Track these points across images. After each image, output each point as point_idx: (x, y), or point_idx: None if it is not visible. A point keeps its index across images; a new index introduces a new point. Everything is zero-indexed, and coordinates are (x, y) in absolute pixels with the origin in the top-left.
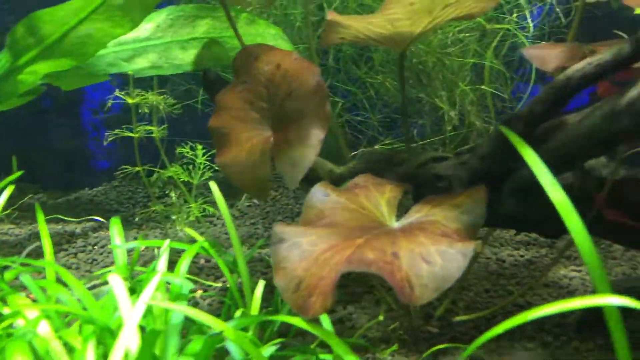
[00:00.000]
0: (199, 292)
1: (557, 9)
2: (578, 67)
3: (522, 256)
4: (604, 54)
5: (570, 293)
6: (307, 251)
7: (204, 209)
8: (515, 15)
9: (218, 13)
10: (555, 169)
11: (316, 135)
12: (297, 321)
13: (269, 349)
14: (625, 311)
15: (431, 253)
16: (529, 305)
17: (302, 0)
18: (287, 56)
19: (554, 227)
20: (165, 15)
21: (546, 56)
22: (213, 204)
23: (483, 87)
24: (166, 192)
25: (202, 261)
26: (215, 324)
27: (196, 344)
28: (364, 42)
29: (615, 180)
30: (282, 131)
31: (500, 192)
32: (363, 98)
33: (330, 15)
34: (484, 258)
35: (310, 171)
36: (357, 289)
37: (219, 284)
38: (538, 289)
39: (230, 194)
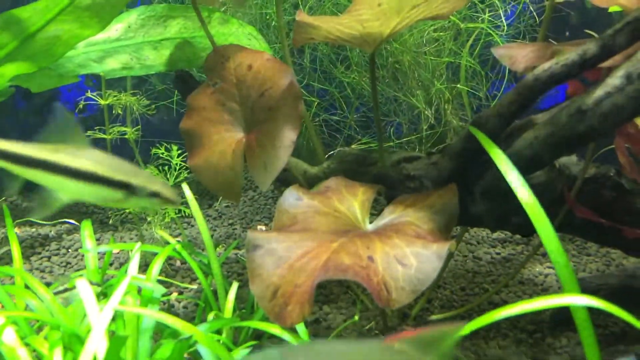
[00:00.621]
0: (174, 295)
1: (531, 8)
2: (545, 67)
3: (498, 254)
4: (570, 54)
5: (545, 290)
6: (282, 258)
7: (180, 210)
8: (489, 14)
9: (190, 13)
10: (525, 168)
11: (289, 137)
12: (269, 326)
13: (241, 352)
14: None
15: (406, 255)
16: (504, 303)
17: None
18: (259, 56)
19: (526, 225)
20: (136, 15)
21: (516, 56)
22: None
23: (459, 85)
24: None
25: (178, 263)
26: (185, 327)
27: (166, 349)
28: (334, 42)
29: (586, 178)
30: (255, 132)
31: (472, 192)
32: (340, 97)
33: (299, 16)
34: (460, 256)
35: (284, 172)
36: (333, 290)
37: (195, 286)
38: (513, 287)
39: (209, 194)
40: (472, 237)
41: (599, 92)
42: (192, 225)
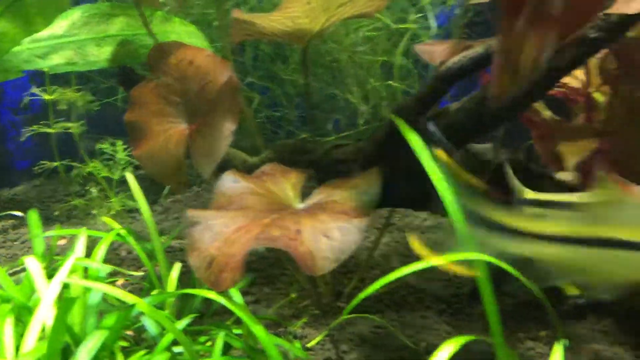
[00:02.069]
0: (121, 281)
1: (457, 11)
2: (455, 60)
3: (429, 239)
4: (477, 48)
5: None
6: (219, 232)
7: (125, 203)
8: (419, 15)
9: (133, 11)
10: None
11: (228, 127)
12: (209, 293)
13: (183, 322)
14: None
15: (331, 229)
16: (429, 279)
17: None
18: (199, 52)
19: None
20: (81, 13)
21: (434, 52)
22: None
23: (392, 83)
24: (86, 188)
25: (123, 253)
26: (129, 299)
27: (110, 319)
28: (269, 38)
29: (498, 162)
30: (196, 124)
31: (395, 174)
32: (281, 94)
33: (235, 14)
34: (394, 242)
35: (225, 162)
36: (273, 272)
37: (141, 273)
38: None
39: (155, 190)
40: (406, 225)
41: None
42: (137, 220)
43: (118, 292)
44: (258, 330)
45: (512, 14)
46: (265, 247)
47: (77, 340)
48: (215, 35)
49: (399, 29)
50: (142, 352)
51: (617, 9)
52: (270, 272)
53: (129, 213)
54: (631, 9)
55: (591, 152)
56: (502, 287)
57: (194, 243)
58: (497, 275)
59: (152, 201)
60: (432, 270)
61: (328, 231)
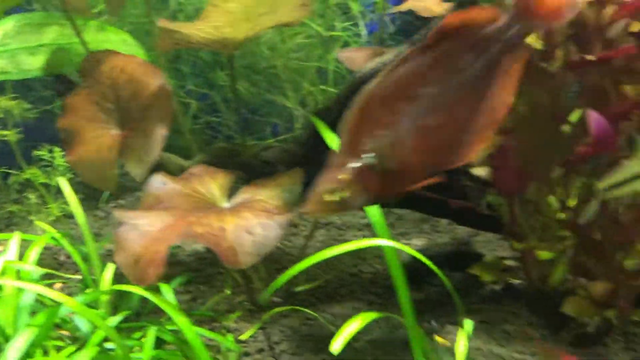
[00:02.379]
0: (59, 284)
1: (385, 19)
2: (371, 65)
3: (364, 236)
4: (389, 54)
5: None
6: (145, 231)
7: (64, 209)
8: (349, 23)
9: (66, 21)
10: None
11: (160, 132)
12: (136, 289)
13: (116, 319)
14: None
15: (253, 225)
16: (360, 273)
17: (146, 9)
18: (131, 60)
19: None
20: (13, 23)
21: (354, 58)
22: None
23: (327, 87)
24: (24, 195)
25: (62, 257)
26: (60, 298)
27: (40, 317)
28: (197, 46)
29: None
30: (129, 129)
31: (318, 175)
32: (220, 100)
33: (161, 23)
34: (331, 240)
35: (160, 166)
36: (210, 271)
37: (79, 277)
38: (370, 260)
39: (96, 195)
40: (343, 223)
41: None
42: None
43: (49, 292)
44: (182, 322)
45: None
46: (205, 247)
47: (9, 340)
48: (153, 44)
49: (332, 36)
50: (73, 348)
51: None
52: (208, 272)
53: (70, 219)
54: None
55: (497, 148)
56: (428, 278)
57: (121, 242)
58: (423, 267)
59: (94, 207)
60: (363, 264)
61: (251, 228)
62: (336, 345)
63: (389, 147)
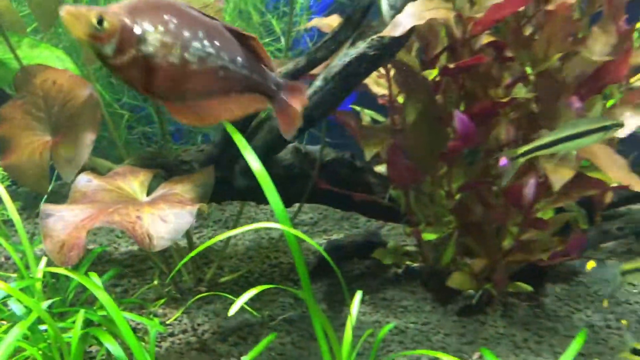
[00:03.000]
0: None
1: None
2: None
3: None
4: (288, 65)
5: (314, 253)
6: (70, 222)
7: (4, 214)
8: (273, 39)
9: (1, 38)
10: (267, 149)
11: (89, 137)
12: (64, 271)
13: (47, 303)
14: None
15: (167, 214)
16: (280, 264)
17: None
18: (62, 73)
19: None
20: None
21: None
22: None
23: None
24: None
25: (2, 258)
26: None
27: None
28: None
29: (327, 160)
30: (60, 136)
31: (233, 171)
32: (154, 112)
33: None
34: (258, 237)
35: (91, 169)
36: (141, 267)
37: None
38: (289, 253)
39: (32, 204)
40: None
41: (310, 91)
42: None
43: None
44: (104, 299)
45: None
46: (139, 247)
47: None
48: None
49: None
50: (6, 327)
51: (388, 32)
52: (139, 267)
53: (11, 226)
54: (397, 32)
55: (391, 147)
56: (341, 265)
57: (48, 231)
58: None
59: (34, 215)
60: (283, 256)
61: (165, 216)
62: (232, 310)
63: None
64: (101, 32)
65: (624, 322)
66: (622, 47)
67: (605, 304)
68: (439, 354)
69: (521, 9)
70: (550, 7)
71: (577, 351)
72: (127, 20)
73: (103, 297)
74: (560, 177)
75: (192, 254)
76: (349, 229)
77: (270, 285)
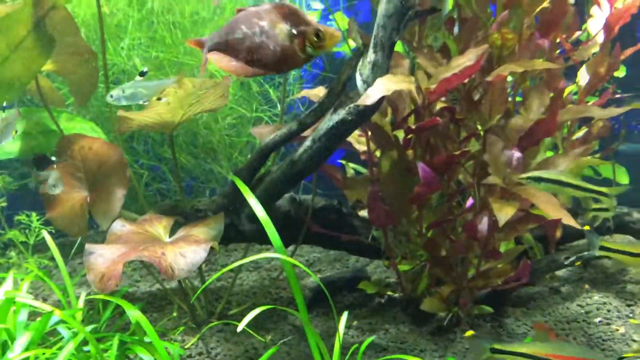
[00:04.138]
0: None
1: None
2: (271, 137)
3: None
4: (283, 130)
5: (309, 289)
6: (108, 257)
7: (40, 262)
8: (268, 105)
9: (44, 113)
10: (269, 198)
11: (120, 192)
12: (103, 296)
13: (89, 327)
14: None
15: (186, 251)
16: (280, 298)
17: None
18: (96, 141)
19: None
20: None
21: (262, 132)
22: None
23: None
24: (7, 252)
25: (40, 300)
26: (46, 307)
27: (35, 324)
28: (146, 129)
29: (318, 207)
30: (96, 192)
31: (240, 217)
32: (167, 171)
33: (120, 112)
34: (261, 277)
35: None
36: (161, 303)
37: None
38: (288, 289)
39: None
40: (272, 265)
41: (301, 150)
42: (54, 275)
43: (39, 305)
44: (139, 317)
45: None
46: (157, 287)
47: (13, 338)
48: (111, 127)
49: (258, 116)
50: (59, 344)
51: (362, 101)
52: (159, 304)
53: (52, 272)
54: (369, 102)
55: (370, 194)
56: (333, 297)
57: (90, 265)
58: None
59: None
60: (283, 292)
61: (184, 252)
62: (240, 327)
63: None
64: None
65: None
66: (552, 108)
67: None
68: (412, 358)
69: (467, 80)
70: (489, 78)
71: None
72: None
73: (138, 315)
74: (504, 214)
75: (205, 284)
76: (340, 269)
77: (271, 306)
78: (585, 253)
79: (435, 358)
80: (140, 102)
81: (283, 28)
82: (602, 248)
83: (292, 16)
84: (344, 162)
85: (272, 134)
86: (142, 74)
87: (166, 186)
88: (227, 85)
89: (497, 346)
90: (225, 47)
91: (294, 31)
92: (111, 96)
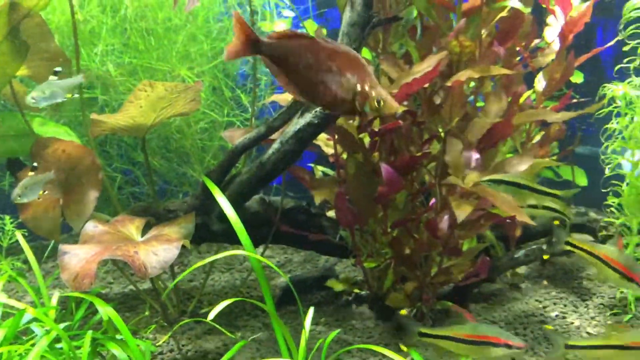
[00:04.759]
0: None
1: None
2: (241, 140)
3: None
4: (252, 133)
5: (279, 287)
6: (82, 257)
7: (14, 265)
8: (240, 110)
9: (19, 117)
10: (239, 198)
11: (93, 195)
12: (79, 294)
13: (62, 325)
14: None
15: (158, 249)
16: (250, 297)
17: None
18: (69, 144)
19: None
20: None
21: (233, 136)
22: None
23: None
24: None
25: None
26: (19, 305)
27: (10, 321)
28: (119, 132)
29: (287, 208)
30: (69, 194)
31: (211, 217)
32: (140, 174)
33: (93, 115)
34: (232, 278)
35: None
36: (133, 303)
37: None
38: (259, 288)
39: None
40: (244, 267)
41: (269, 151)
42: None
43: (16, 303)
44: (111, 314)
45: None
46: (130, 288)
47: None
48: (85, 131)
49: (230, 121)
50: (32, 341)
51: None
52: (131, 303)
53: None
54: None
55: (337, 195)
56: (302, 295)
57: (65, 265)
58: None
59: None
60: (253, 291)
61: (156, 251)
62: (210, 315)
63: None
64: None
65: (547, 327)
66: (509, 112)
67: None
68: (378, 348)
69: (428, 85)
70: (448, 83)
71: None
72: None
73: (110, 312)
74: (462, 211)
75: (176, 280)
76: (311, 269)
77: (240, 299)
78: (552, 247)
79: (399, 350)
80: (59, 100)
81: (350, 80)
82: (567, 244)
83: (361, 70)
84: (312, 165)
85: (242, 136)
86: (55, 73)
87: (139, 189)
88: (198, 90)
89: (424, 330)
90: (279, 62)
91: (359, 87)
92: (32, 98)
